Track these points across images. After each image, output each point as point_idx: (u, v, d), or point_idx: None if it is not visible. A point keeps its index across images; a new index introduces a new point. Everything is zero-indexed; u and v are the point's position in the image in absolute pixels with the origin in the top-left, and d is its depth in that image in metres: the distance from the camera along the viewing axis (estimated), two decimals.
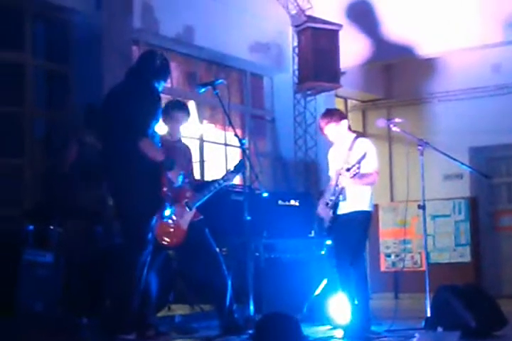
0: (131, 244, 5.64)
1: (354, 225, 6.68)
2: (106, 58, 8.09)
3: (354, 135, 6.94)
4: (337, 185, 6.69)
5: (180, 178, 5.94)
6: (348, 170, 6.43)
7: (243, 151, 6.51)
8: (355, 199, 6.70)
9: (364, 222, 6.79)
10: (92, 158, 6.46)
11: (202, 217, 6.44)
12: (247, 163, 6.52)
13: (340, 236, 6.72)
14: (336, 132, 6.86)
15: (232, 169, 6.58)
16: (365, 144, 6.72)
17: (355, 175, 6.42)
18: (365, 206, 6.76)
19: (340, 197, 6.67)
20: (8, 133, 7.64)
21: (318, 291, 7.76)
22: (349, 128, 6.98)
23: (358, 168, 6.40)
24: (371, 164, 6.63)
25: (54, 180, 7.00)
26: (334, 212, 6.71)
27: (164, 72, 6.02)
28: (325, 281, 7.71)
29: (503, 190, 12.11)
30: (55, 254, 6.27)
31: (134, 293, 5.56)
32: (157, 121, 5.78)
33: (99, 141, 6.08)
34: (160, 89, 5.94)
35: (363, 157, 6.41)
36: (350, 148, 6.75)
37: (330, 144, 7.15)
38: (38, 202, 7.30)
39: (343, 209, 6.71)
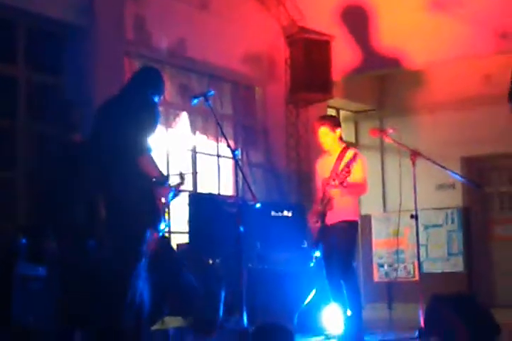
0: (125, 256, 5.65)
1: (342, 235, 6.70)
2: (99, 70, 8.11)
3: (344, 145, 6.96)
4: (324, 195, 6.71)
5: (171, 195, 5.94)
6: (336, 177, 6.46)
7: (236, 162, 6.54)
8: (342, 209, 6.71)
9: (352, 232, 6.80)
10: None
11: None
12: (240, 174, 6.54)
13: (330, 247, 6.75)
14: (329, 138, 6.89)
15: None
16: (355, 154, 6.73)
17: (343, 182, 6.44)
18: (352, 216, 6.77)
19: (328, 206, 6.69)
20: (1, 146, 7.64)
21: (307, 301, 7.76)
22: (340, 138, 7.00)
23: (347, 172, 6.42)
24: (360, 174, 6.66)
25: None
26: (322, 222, 6.73)
27: (160, 86, 6.08)
28: (313, 292, 7.72)
29: (495, 200, 12.15)
30: (48, 268, 6.27)
31: (126, 305, 5.56)
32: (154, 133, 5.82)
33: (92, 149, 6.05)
34: (157, 101, 6.00)
35: (351, 161, 6.45)
36: (340, 158, 6.77)
37: (322, 154, 7.18)
38: (31, 215, 7.29)
39: (331, 219, 6.72)
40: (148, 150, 5.67)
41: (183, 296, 6.48)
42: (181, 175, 6.15)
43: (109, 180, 5.68)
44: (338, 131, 6.95)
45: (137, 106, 5.75)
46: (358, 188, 6.71)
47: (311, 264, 7.48)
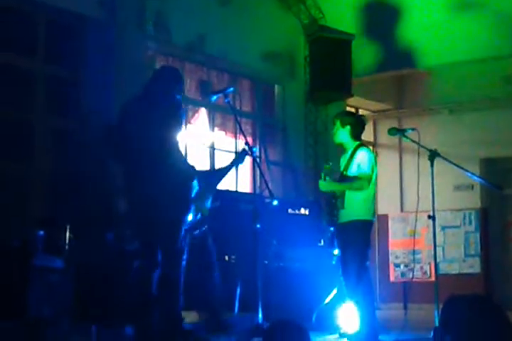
0: (151, 248, 5.66)
1: (353, 234, 6.68)
2: (118, 66, 8.12)
3: (358, 143, 6.94)
4: (334, 193, 6.74)
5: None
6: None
7: (254, 159, 6.54)
8: (352, 208, 6.70)
9: (362, 231, 6.74)
10: None
11: None
12: (258, 171, 6.56)
13: (343, 245, 6.74)
14: (338, 133, 6.90)
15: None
16: (360, 152, 6.74)
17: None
18: (362, 214, 6.73)
19: (339, 204, 6.69)
20: (19, 139, 7.65)
21: (327, 300, 7.75)
22: (356, 136, 6.94)
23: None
24: (356, 169, 6.66)
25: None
26: (336, 221, 6.74)
27: (182, 86, 6.20)
28: (335, 291, 7.70)
29: None
30: (66, 260, 6.29)
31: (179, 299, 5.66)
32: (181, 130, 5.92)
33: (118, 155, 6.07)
34: (180, 100, 6.08)
35: (350, 156, 6.58)
36: (351, 156, 6.79)
37: (340, 153, 7.17)
38: (48, 207, 7.31)
39: (343, 217, 6.71)
40: (176, 146, 5.76)
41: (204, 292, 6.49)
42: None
43: (137, 177, 5.71)
44: (347, 128, 6.91)
45: (165, 108, 5.82)
46: (351, 182, 6.69)
47: (333, 262, 7.49)
